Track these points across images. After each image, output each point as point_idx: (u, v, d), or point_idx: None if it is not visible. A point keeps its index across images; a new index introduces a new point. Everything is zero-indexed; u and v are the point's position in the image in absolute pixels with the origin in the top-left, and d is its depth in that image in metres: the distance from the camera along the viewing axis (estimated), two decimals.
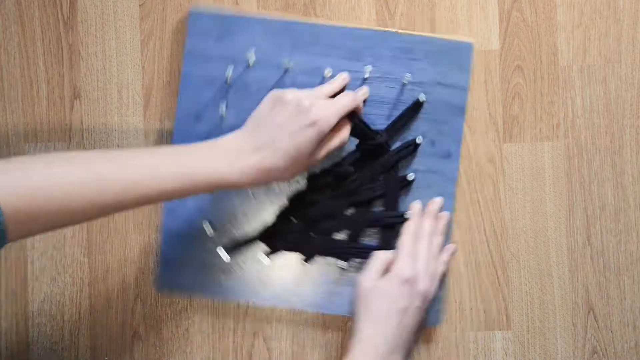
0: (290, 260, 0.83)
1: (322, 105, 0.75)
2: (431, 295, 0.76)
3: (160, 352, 0.85)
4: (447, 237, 0.84)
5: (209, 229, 0.82)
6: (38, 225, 0.65)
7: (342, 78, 0.82)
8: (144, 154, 0.72)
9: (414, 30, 0.85)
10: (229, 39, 0.83)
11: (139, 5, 0.86)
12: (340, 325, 0.85)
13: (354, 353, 0.72)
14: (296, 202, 0.82)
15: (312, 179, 0.82)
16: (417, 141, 0.82)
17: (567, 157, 0.85)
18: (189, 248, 0.83)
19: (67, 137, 0.85)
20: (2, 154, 0.85)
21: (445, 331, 0.85)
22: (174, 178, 0.69)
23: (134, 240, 0.85)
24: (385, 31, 0.84)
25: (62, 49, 0.86)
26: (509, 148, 0.85)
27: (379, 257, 0.77)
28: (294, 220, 0.81)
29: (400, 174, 0.83)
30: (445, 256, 0.80)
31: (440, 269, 0.79)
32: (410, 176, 0.82)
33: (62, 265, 0.85)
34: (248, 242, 0.81)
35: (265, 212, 0.83)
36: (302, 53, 0.83)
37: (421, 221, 0.81)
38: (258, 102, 0.77)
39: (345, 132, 0.78)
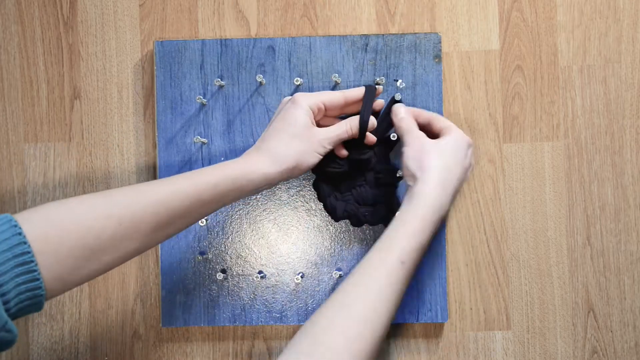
0: (285, 276, 0.83)
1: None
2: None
3: (160, 352, 0.85)
4: (443, 233, 0.84)
5: (200, 256, 0.82)
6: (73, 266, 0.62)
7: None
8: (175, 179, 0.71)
9: (414, 30, 0.85)
10: (197, 66, 0.83)
11: (139, 5, 0.86)
12: None
13: (418, 196, 0.72)
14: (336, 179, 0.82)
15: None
16: (396, 98, 0.81)
17: (567, 157, 0.85)
18: (186, 280, 0.83)
19: (67, 137, 0.85)
20: (2, 154, 0.85)
21: (445, 331, 0.85)
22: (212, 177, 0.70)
23: None
24: (352, 35, 0.84)
25: (62, 49, 0.86)
26: (509, 148, 0.85)
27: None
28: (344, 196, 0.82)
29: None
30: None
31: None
32: (394, 136, 0.80)
33: None
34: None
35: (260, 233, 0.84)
36: (272, 69, 0.84)
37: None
38: (241, 121, 0.81)
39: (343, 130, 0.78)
